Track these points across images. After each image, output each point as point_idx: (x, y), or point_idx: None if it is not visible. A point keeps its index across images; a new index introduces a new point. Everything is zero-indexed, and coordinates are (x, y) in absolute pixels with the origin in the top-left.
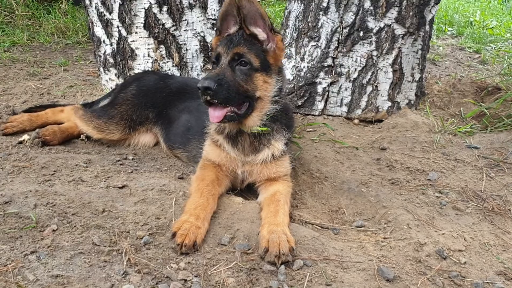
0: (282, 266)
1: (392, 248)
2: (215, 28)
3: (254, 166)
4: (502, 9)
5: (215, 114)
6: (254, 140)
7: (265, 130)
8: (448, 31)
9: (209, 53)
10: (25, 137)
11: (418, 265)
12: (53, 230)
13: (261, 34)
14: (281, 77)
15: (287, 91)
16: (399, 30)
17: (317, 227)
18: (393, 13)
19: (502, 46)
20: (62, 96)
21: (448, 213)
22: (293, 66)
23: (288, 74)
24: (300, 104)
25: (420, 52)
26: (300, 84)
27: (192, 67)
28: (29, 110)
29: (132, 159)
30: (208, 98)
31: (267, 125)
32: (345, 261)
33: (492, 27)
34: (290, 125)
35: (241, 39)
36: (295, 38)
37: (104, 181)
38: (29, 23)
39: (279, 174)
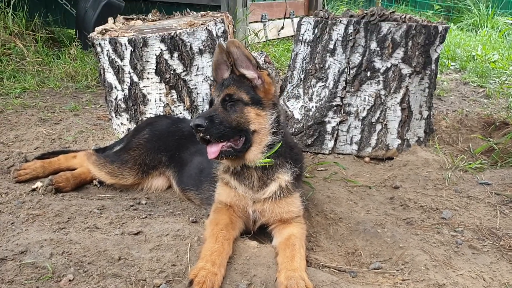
0: None
1: None
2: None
3: (265, 203)
4: (503, 42)
5: (212, 150)
6: (262, 175)
7: (268, 162)
8: (451, 65)
9: None
10: (38, 184)
11: None
12: (70, 280)
13: (250, 73)
14: (275, 110)
15: (296, 130)
16: (405, 70)
17: (334, 270)
18: (399, 53)
19: (506, 80)
20: (73, 141)
21: (464, 252)
22: (302, 106)
23: (297, 114)
24: (309, 143)
25: (427, 90)
26: (309, 124)
27: (203, 110)
28: (41, 157)
29: (146, 203)
30: (201, 135)
31: (270, 157)
32: None
33: (495, 61)
34: (296, 159)
35: (231, 81)
36: (302, 79)
37: (119, 228)
38: (40, 69)
39: (291, 214)
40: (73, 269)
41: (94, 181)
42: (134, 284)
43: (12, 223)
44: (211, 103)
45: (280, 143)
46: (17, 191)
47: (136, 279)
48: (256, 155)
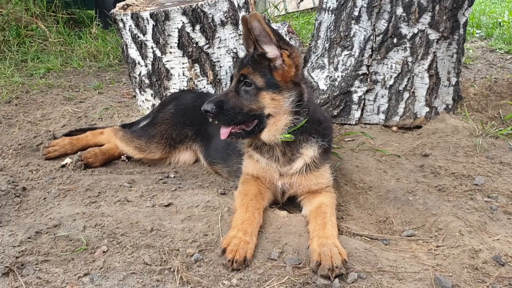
0: (336, 280)
1: (446, 256)
2: None
3: (292, 177)
4: None
5: (222, 131)
6: (285, 150)
7: (288, 138)
8: (477, 33)
9: None
10: (67, 160)
11: (476, 272)
12: (104, 252)
13: (271, 52)
14: (295, 91)
15: (321, 101)
16: (433, 35)
17: (366, 238)
18: (426, 18)
19: None
20: (99, 118)
21: (500, 217)
22: (327, 76)
23: (322, 84)
24: (336, 114)
25: (455, 56)
26: (335, 94)
27: (226, 84)
28: (69, 134)
29: (174, 177)
30: (210, 120)
31: (292, 133)
32: (400, 272)
33: None
34: (324, 133)
35: (250, 59)
36: (327, 49)
37: (150, 200)
38: (62, 49)
39: (320, 185)
40: (106, 241)
41: (122, 156)
42: (167, 254)
43: (44, 198)
44: (231, 79)
45: (304, 120)
46: (47, 168)
47: (169, 249)
48: (271, 136)
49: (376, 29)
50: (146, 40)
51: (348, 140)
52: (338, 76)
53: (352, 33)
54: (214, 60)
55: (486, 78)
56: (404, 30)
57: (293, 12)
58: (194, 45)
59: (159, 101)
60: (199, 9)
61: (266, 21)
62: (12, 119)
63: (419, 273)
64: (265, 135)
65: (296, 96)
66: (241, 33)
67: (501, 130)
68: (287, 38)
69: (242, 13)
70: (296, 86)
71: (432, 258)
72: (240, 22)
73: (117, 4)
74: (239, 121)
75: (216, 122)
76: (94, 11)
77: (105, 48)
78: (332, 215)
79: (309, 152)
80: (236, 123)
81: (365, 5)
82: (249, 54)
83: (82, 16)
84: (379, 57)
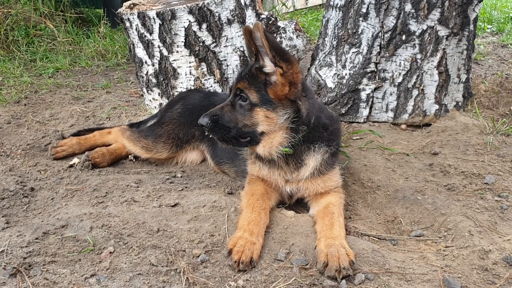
0: (343, 281)
1: (455, 257)
2: None
3: (298, 183)
4: None
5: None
6: (288, 160)
7: (286, 151)
8: (488, 28)
9: None
10: (75, 160)
11: (486, 273)
12: (110, 252)
13: (268, 66)
14: (290, 109)
15: (329, 99)
16: (442, 31)
17: (374, 238)
18: (436, 14)
19: None
20: (107, 118)
21: (510, 217)
22: (335, 74)
23: (330, 82)
24: (344, 112)
25: (465, 52)
26: (343, 92)
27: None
28: (77, 134)
29: (181, 176)
30: (206, 133)
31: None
32: (408, 273)
33: None
34: (330, 138)
35: (247, 73)
36: (335, 46)
37: (156, 200)
38: (71, 49)
39: (328, 188)
40: (113, 242)
41: (129, 156)
42: (173, 255)
43: (52, 199)
44: (230, 90)
45: (303, 133)
46: (55, 168)
47: (175, 250)
48: (265, 152)
49: (384, 26)
50: (153, 39)
51: (356, 139)
52: (346, 74)
53: (360, 30)
54: (221, 59)
55: (497, 75)
56: (413, 26)
57: (301, 9)
58: (201, 44)
59: (166, 100)
60: (205, 8)
61: (270, 30)
62: (21, 119)
63: (428, 274)
64: (260, 150)
65: (293, 113)
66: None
67: None
68: (295, 36)
69: (249, 11)
70: (292, 103)
71: (441, 258)
72: (242, 32)
73: (124, 4)
74: (233, 135)
75: (211, 136)
76: (102, 10)
77: (113, 47)
78: (339, 215)
79: (312, 161)
80: (229, 138)
81: (373, 1)
82: (248, 67)
83: (90, 15)
84: (387, 54)
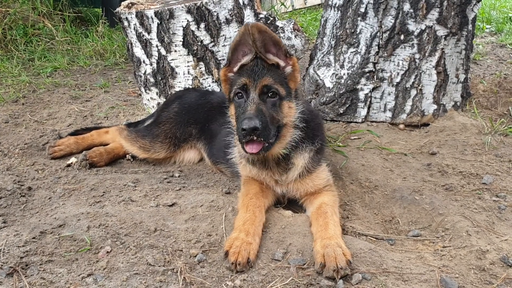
0: (341, 281)
1: (452, 257)
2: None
3: (288, 185)
4: None
5: (253, 146)
6: (278, 161)
7: (285, 152)
8: (486, 28)
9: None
10: (73, 160)
11: (483, 274)
12: (108, 252)
13: (280, 61)
14: (301, 100)
15: (327, 99)
16: (441, 31)
17: (372, 238)
18: (434, 14)
19: None
20: (105, 117)
21: (508, 217)
22: (333, 73)
23: (328, 82)
24: (342, 112)
25: (464, 52)
26: (341, 92)
27: None
28: (75, 133)
29: (179, 176)
30: (255, 138)
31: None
32: (405, 273)
33: None
34: (313, 135)
35: (263, 69)
36: (333, 46)
37: (154, 200)
38: (69, 48)
39: (318, 187)
40: (110, 241)
41: (127, 155)
42: (171, 255)
43: (49, 198)
44: (243, 88)
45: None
46: (52, 167)
47: (172, 250)
48: (277, 150)
49: (382, 26)
50: (151, 39)
51: (354, 138)
52: (344, 74)
53: (358, 30)
54: (219, 58)
55: (495, 75)
56: (412, 26)
57: (300, 9)
58: (199, 43)
59: (164, 100)
60: (203, 7)
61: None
62: (19, 118)
63: (425, 274)
64: (274, 149)
65: (301, 105)
66: (232, 42)
67: (510, 128)
68: (293, 36)
69: (247, 11)
70: (299, 96)
71: (438, 259)
72: (240, 32)
73: (122, 3)
74: (273, 134)
75: (256, 138)
76: (100, 9)
77: (111, 46)
78: (333, 214)
79: (300, 160)
80: (269, 137)
81: (372, 1)
82: (257, 64)
83: (88, 15)
84: (385, 54)
